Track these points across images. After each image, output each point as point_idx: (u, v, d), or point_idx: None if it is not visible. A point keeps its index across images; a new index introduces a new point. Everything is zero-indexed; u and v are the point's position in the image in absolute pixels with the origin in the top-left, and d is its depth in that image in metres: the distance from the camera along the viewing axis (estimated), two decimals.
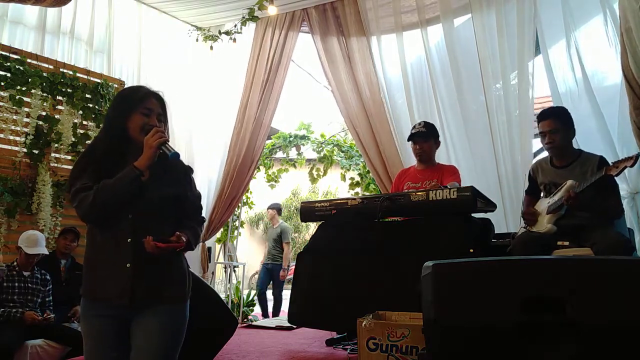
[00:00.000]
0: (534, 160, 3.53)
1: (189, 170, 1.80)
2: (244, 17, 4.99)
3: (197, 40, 5.54)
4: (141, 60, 5.25)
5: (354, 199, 3.44)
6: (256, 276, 12.62)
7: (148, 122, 1.66)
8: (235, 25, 5.12)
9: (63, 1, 3.95)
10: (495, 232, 3.35)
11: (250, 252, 13.04)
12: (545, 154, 3.14)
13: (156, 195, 1.65)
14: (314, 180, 6.50)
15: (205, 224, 3.56)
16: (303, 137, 6.21)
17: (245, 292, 6.02)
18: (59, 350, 3.30)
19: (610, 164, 2.56)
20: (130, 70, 5.16)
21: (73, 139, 4.31)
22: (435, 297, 1.59)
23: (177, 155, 1.62)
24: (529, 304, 1.46)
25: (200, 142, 5.62)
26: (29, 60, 4.14)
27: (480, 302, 1.53)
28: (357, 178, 5.84)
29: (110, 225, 1.62)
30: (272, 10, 4.86)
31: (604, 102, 3.51)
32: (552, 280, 1.48)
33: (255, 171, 5.73)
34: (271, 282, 6.52)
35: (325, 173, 6.35)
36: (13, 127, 4.01)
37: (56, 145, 4.22)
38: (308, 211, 3.63)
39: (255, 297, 6.30)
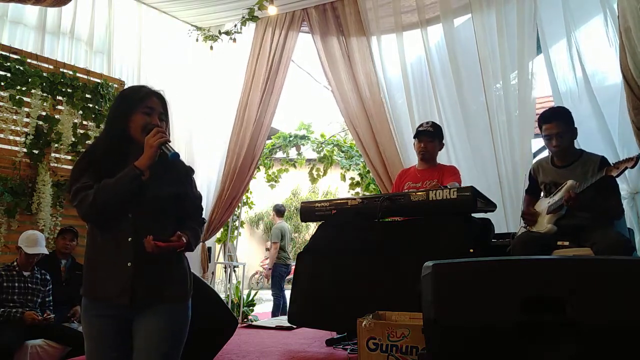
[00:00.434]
0: (535, 160, 3.53)
1: (189, 170, 1.79)
2: (244, 17, 4.99)
3: (197, 40, 5.54)
4: (141, 60, 5.25)
5: (354, 199, 3.44)
6: (256, 276, 12.66)
7: (150, 122, 1.66)
8: (235, 25, 5.11)
9: (63, 1, 3.95)
10: (495, 232, 3.34)
11: (250, 252, 13.04)
12: (545, 153, 3.14)
13: (157, 194, 1.65)
14: (314, 180, 6.50)
15: (205, 224, 3.56)
16: (303, 137, 6.21)
17: (245, 292, 6.02)
18: (59, 350, 3.30)
19: (611, 165, 2.56)
20: (130, 70, 5.16)
21: (73, 139, 4.31)
22: (435, 297, 1.59)
23: (177, 155, 1.62)
24: (529, 304, 1.46)
25: (200, 142, 5.62)
26: (29, 60, 4.14)
27: (480, 302, 1.53)
28: (357, 178, 5.83)
29: (111, 224, 1.62)
30: (272, 10, 4.86)
31: (604, 102, 3.51)
32: (552, 280, 1.48)
33: (255, 171, 5.73)
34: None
35: (325, 173, 6.35)
36: (13, 127, 4.01)
37: (56, 145, 4.22)
38: (308, 211, 3.63)
39: (255, 297, 6.33)
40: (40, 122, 4.15)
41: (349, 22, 4.94)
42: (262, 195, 8.19)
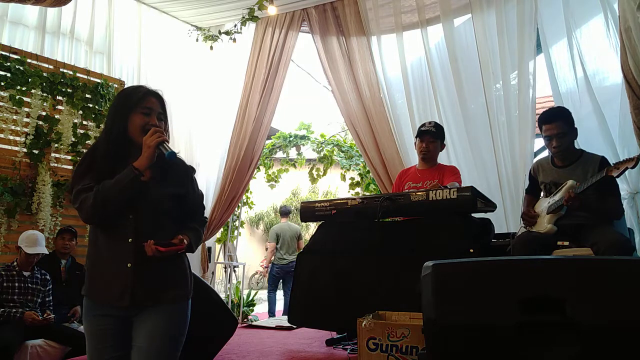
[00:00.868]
0: (535, 160, 3.53)
1: (190, 170, 1.79)
2: (244, 17, 4.99)
3: (197, 40, 5.54)
4: (141, 60, 5.25)
5: (354, 199, 3.44)
6: (256, 276, 12.67)
7: (148, 122, 1.66)
8: (235, 25, 5.12)
9: (63, 1, 3.95)
10: (495, 232, 3.35)
11: (250, 252, 13.05)
12: (545, 153, 3.14)
13: (157, 194, 1.65)
14: (314, 180, 6.50)
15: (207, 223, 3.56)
16: (303, 137, 6.21)
17: (245, 292, 6.02)
18: (59, 350, 3.30)
19: (611, 165, 2.56)
20: (130, 70, 5.16)
21: (73, 139, 4.31)
22: (435, 297, 1.59)
23: (173, 154, 1.62)
24: (529, 304, 1.46)
25: (200, 141, 5.62)
26: (29, 60, 4.14)
27: (480, 302, 1.53)
28: (357, 178, 5.84)
29: (112, 225, 1.63)
30: (272, 10, 4.86)
31: (604, 102, 3.51)
32: (552, 280, 1.47)
33: (255, 171, 5.73)
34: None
35: (325, 173, 6.35)
36: (13, 127, 4.00)
37: (56, 145, 4.22)
38: (308, 211, 3.63)
39: (255, 298, 6.35)
40: (40, 122, 4.14)
41: (349, 22, 4.94)
42: (262, 195, 8.19)
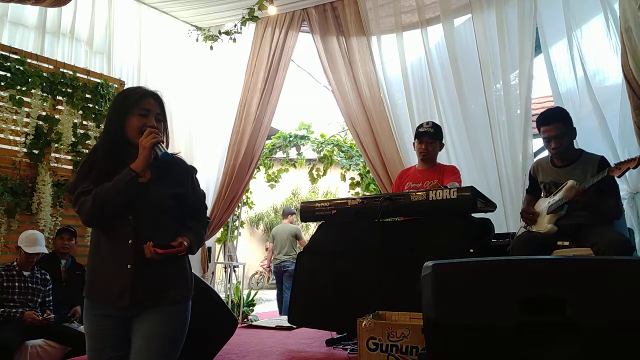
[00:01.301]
0: (535, 160, 3.53)
1: (191, 169, 1.79)
2: (244, 17, 4.99)
3: (197, 40, 5.54)
4: (141, 60, 5.25)
5: (354, 199, 3.44)
6: (256, 276, 12.67)
7: (146, 123, 1.66)
8: (235, 25, 5.12)
9: (63, 1, 3.95)
10: (495, 232, 3.35)
11: (250, 252, 13.05)
12: (545, 153, 3.14)
13: (157, 195, 1.65)
14: (314, 180, 6.50)
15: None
16: (303, 137, 6.21)
17: (245, 292, 6.02)
18: (59, 350, 3.30)
19: (612, 165, 2.57)
20: (130, 70, 5.16)
21: (73, 139, 4.31)
22: (435, 297, 1.59)
23: (166, 155, 1.61)
24: (529, 304, 1.46)
25: (200, 141, 5.62)
26: (29, 60, 4.14)
27: (480, 302, 1.53)
28: (357, 178, 5.83)
29: (112, 226, 1.63)
30: (272, 10, 4.86)
31: (604, 102, 3.51)
32: (552, 280, 1.47)
33: (255, 171, 5.73)
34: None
35: (325, 173, 6.35)
36: (13, 127, 4.00)
37: (56, 145, 4.22)
38: (308, 211, 3.63)
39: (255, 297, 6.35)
40: (40, 122, 4.15)
41: (349, 22, 4.94)
42: (262, 195, 8.19)
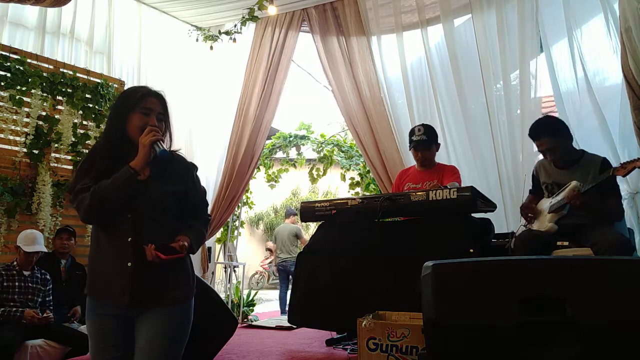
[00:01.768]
0: (537, 160, 3.53)
1: (191, 166, 1.79)
2: (244, 17, 4.99)
3: (197, 40, 5.54)
4: (141, 60, 5.25)
5: (354, 199, 3.44)
6: (256, 276, 12.66)
7: (147, 122, 1.66)
8: (235, 25, 5.12)
9: (63, 1, 3.95)
10: (495, 232, 3.35)
11: (250, 252, 13.05)
12: None
13: (156, 192, 1.65)
14: (314, 180, 6.50)
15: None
16: (303, 137, 6.21)
17: (245, 292, 6.02)
18: (59, 350, 3.29)
19: (616, 166, 2.56)
20: (130, 70, 5.16)
21: (73, 139, 4.31)
22: (435, 297, 1.59)
23: (164, 152, 1.62)
24: (529, 304, 1.46)
25: (200, 141, 5.62)
26: (29, 60, 4.14)
27: (480, 302, 1.53)
28: (357, 178, 5.83)
29: (112, 224, 1.63)
30: (272, 10, 4.86)
31: (604, 102, 3.51)
32: (552, 280, 1.47)
33: (255, 171, 5.73)
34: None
35: (325, 173, 6.35)
36: (13, 127, 4.00)
37: (56, 145, 4.22)
38: (308, 211, 3.63)
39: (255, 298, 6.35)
40: (40, 122, 4.14)
41: (349, 22, 4.94)
42: (262, 195, 8.20)
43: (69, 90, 4.33)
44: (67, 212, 4.20)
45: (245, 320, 5.41)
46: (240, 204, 5.96)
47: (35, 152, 4.10)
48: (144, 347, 1.59)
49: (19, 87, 4.03)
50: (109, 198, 1.57)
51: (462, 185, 3.26)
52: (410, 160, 4.41)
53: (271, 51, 5.26)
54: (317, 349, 3.66)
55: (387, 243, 3.13)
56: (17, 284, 3.35)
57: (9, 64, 3.99)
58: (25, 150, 4.03)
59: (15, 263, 3.42)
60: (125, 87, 4.51)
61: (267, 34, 5.33)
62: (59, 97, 4.29)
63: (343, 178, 6.12)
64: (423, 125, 3.55)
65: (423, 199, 3.06)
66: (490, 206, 3.26)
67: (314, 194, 13.98)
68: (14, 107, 3.99)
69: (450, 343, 1.56)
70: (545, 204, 2.88)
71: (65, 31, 4.67)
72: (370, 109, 4.75)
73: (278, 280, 7.32)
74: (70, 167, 4.33)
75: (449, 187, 3.05)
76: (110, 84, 4.66)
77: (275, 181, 6.51)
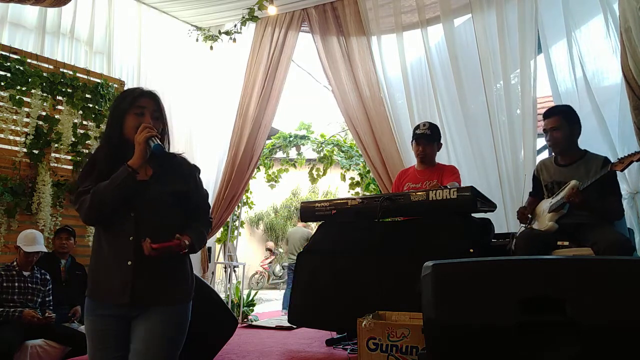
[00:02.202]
0: (538, 160, 3.53)
1: (194, 168, 1.80)
2: (244, 17, 4.99)
3: (197, 40, 5.54)
4: (141, 60, 5.25)
5: (354, 199, 3.44)
6: (256, 276, 12.67)
7: (142, 122, 1.67)
8: (235, 25, 5.12)
9: (63, 1, 3.95)
10: (495, 232, 3.35)
11: (250, 252, 13.05)
12: (546, 153, 3.14)
13: (158, 193, 1.66)
14: (314, 180, 6.50)
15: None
16: (303, 137, 6.21)
17: (245, 292, 6.02)
18: (59, 350, 3.30)
19: (614, 161, 2.56)
20: (130, 70, 5.16)
21: (73, 139, 4.31)
22: (435, 297, 1.59)
23: (158, 147, 1.62)
24: (529, 304, 1.46)
25: (200, 141, 5.62)
26: (29, 60, 4.13)
27: (480, 302, 1.53)
28: (357, 178, 5.84)
29: (113, 224, 1.64)
30: (272, 10, 4.86)
31: (604, 102, 3.51)
32: (552, 280, 1.47)
33: (255, 171, 5.73)
34: None
35: (325, 173, 6.35)
36: (13, 127, 4.00)
37: (56, 145, 4.21)
38: (308, 211, 3.64)
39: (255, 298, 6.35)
40: (40, 122, 4.14)
41: (349, 22, 4.94)
42: (262, 195, 8.21)
43: (69, 90, 4.33)
44: (67, 212, 4.20)
45: (245, 320, 5.41)
46: (240, 204, 5.97)
47: (35, 152, 4.09)
48: (140, 347, 1.59)
49: (19, 87, 4.03)
50: (108, 198, 1.59)
51: (462, 185, 3.26)
52: (410, 160, 4.41)
53: (271, 51, 5.26)
54: (317, 349, 3.66)
55: (387, 243, 3.13)
56: (16, 284, 3.35)
57: (9, 64, 3.99)
58: (25, 150, 4.03)
59: (15, 263, 3.42)
60: (126, 87, 4.53)
61: (267, 34, 5.33)
62: (59, 97, 4.29)
63: (343, 178, 6.12)
64: (429, 122, 3.58)
65: (423, 199, 3.06)
66: (490, 206, 3.26)
67: (314, 194, 13.98)
68: (14, 107, 3.99)
69: (450, 343, 1.56)
70: (546, 204, 2.88)
71: (65, 31, 4.67)
72: (370, 109, 4.75)
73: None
74: (70, 167, 4.33)
75: (449, 187, 3.05)
76: (110, 84, 4.65)
77: (275, 181, 6.51)
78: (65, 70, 4.36)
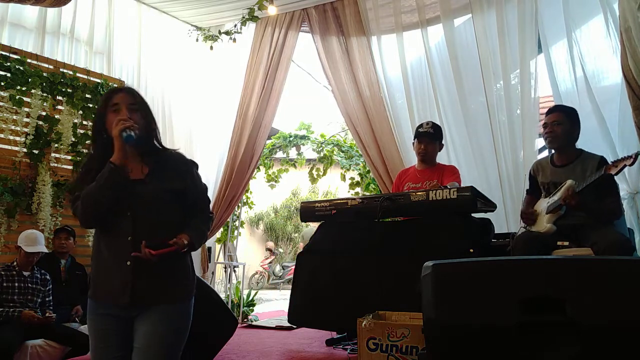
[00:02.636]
0: (535, 160, 3.53)
1: (190, 164, 1.79)
2: (244, 17, 4.99)
3: (197, 40, 5.54)
4: (141, 60, 5.25)
5: (354, 199, 3.44)
6: (256, 276, 12.66)
7: (119, 118, 1.65)
8: (235, 25, 5.12)
9: (63, 1, 3.95)
10: (495, 232, 3.35)
11: (250, 252, 13.04)
12: (545, 153, 3.14)
13: (154, 191, 1.66)
14: (314, 180, 6.49)
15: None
16: (303, 137, 6.20)
17: (245, 292, 6.02)
18: (59, 350, 3.29)
19: (610, 163, 2.56)
20: (130, 70, 5.16)
21: (73, 139, 4.31)
22: (435, 297, 1.59)
23: (129, 137, 1.61)
24: (529, 304, 1.46)
25: (200, 141, 5.62)
26: (29, 60, 4.13)
27: (480, 302, 1.53)
28: (357, 178, 5.83)
29: (112, 225, 1.65)
30: (272, 10, 4.86)
31: (604, 102, 3.51)
32: (552, 280, 1.47)
33: (255, 171, 5.73)
34: None
35: (325, 173, 6.35)
36: (13, 127, 4.00)
37: (56, 145, 4.21)
38: (308, 211, 3.64)
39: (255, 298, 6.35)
40: (40, 122, 4.14)
41: (349, 22, 4.94)
42: (262, 195, 8.20)
43: (69, 90, 4.33)
44: (67, 212, 4.20)
45: (245, 320, 5.41)
46: (240, 204, 5.96)
47: (35, 152, 4.09)
48: (142, 346, 1.59)
49: (19, 87, 4.03)
50: (97, 198, 1.60)
51: (462, 185, 3.26)
52: (410, 160, 4.42)
53: (271, 51, 5.26)
54: (317, 349, 3.66)
55: (387, 243, 3.13)
56: (16, 284, 3.34)
57: (9, 64, 3.98)
58: (25, 150, 4.03)
59: (15, 263, 3.42)
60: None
61: (267, 34, 5.33)
62: (59, 97, 4.29)
63: (343, 178, 6.12)
64: (432, 122, 3.59)
65: (423, 199, 3.06)
66: (490, 206, 3.26)
67: (314, 194, 13.97)
68: (14, 107, 3.99)
69: (450, 343, 1.56)
70: (543, 204, 2.87)
71: (65, 31, 4.67)
72: (370, 108, 4.75)
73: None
74: (70, 167, 4.33)
75: (449, 187, 3.05)
76: (110, 84, 4.65)
77: (275, 181, 6.51)
78: (65, 70, 4.36)
